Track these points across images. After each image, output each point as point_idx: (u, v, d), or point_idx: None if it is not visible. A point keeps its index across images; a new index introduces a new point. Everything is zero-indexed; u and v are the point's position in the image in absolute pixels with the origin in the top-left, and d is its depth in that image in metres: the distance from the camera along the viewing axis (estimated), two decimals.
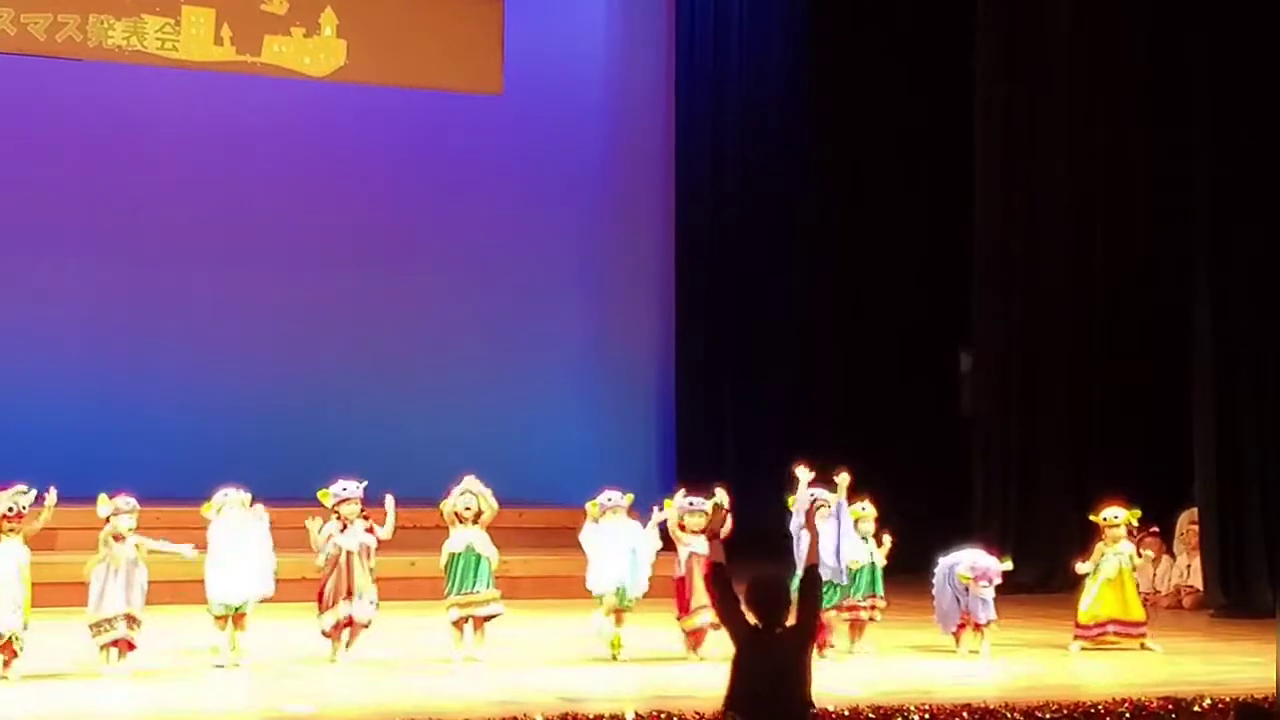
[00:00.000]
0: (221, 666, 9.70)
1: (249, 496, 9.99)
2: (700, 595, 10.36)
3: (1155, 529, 14.01)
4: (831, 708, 8.54)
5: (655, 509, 10.58)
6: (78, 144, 15.86)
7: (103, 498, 9.50)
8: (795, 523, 10.42)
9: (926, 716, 8.63)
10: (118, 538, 9.41)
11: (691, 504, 10.46)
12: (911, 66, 16.37)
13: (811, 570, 7.38)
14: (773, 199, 16.94)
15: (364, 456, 12.37)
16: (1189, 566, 13.96)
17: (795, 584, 10.07)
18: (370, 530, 10.17)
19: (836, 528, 10.48)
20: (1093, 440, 14.82)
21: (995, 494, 14.97)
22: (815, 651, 7.06)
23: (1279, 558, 13.12)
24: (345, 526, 10.12)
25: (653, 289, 17.69)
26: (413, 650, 10.49)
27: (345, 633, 10.06)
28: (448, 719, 8.13)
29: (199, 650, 9.92)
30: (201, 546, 9.83)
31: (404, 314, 16.76)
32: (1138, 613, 11.21)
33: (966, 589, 10.71)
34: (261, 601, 9.92)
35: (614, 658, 10.23)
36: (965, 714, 8.70)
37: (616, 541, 10.35)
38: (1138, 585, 11.45)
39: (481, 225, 17.06)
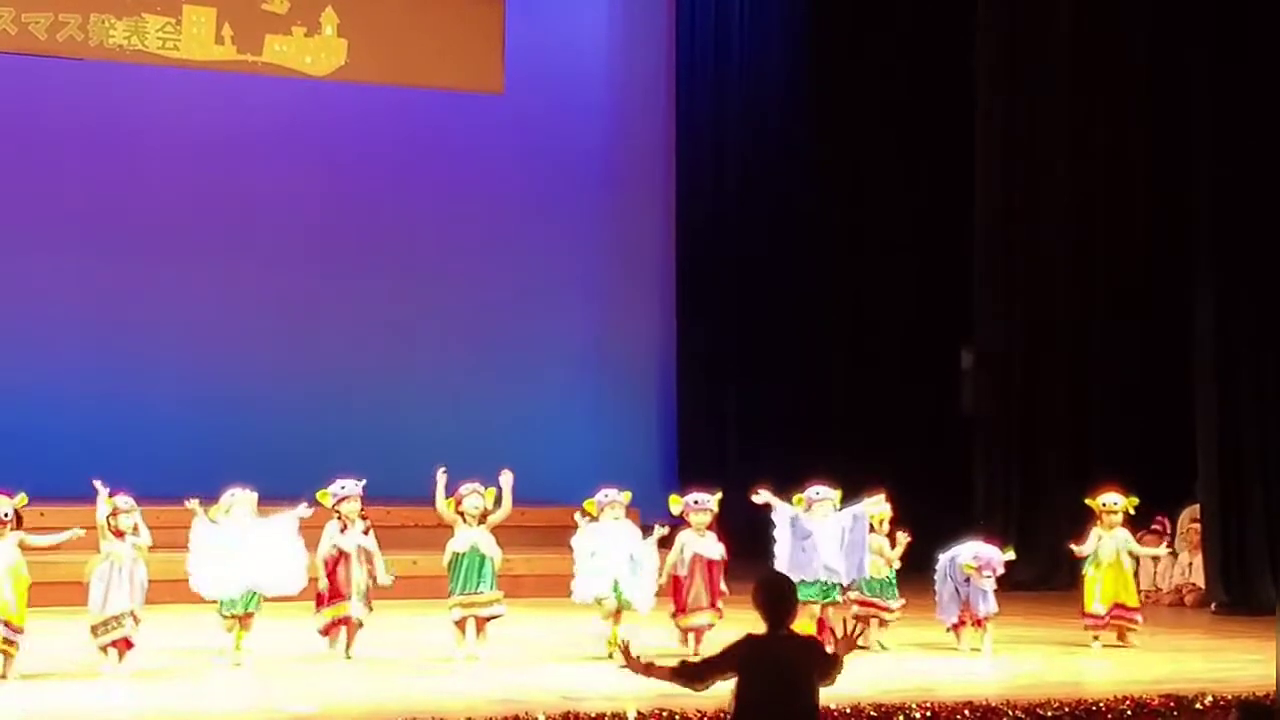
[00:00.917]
0: (224, 665, 9.71)
1: (255, 496, 9.99)
2: (699, 596, 10.37)
3: (1155, 526, 14.03)
4: (833, 705, 8.54)
5: (657, 525, 10.53)
6: (79, 143, 15.87)
7: (102, 497, 9.49)
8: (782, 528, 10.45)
9: (928, 714, 8.64)
10: (118, 534, 9.40)
11: (697, 501, 10.46)
12: (912, 66, 16.37)
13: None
14: (774, 197, 16.94)
15: (366, 455, 12.38)
16: (1190, 564, 13.96)
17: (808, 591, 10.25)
18: (367, 531, 10.16)
19: (839, 528, 10.49)
20: (1093, 438, 14.82)
21: (996, 492, 14.98)
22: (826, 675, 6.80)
23: None
24: (345, 527, 10.12)
25: (654, 287, 17.71)
26: (414, 649, 10.49)
27: (342, 632, 10.07)
28: (449, 718, 8.12)
29: (199, 649, 9.91)
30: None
31: (406, 313, 16.77)
32: (1133, 599, 11.22)
33: (968, 580, 10.72)
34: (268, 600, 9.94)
35: (611, 656, 10.22)
36: (967, 711, 8.70)
37: (611, 549, 10.28)
38: (1135, 574, 11.45)
39: (482, 224, 17.08)
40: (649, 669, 6.76)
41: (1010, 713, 8.74)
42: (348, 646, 10.09)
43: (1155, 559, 13.90)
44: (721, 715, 7.29)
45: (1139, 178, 15.16)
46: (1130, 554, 11.32)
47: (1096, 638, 11.16)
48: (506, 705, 8.46)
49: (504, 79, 16.58)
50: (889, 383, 16.31)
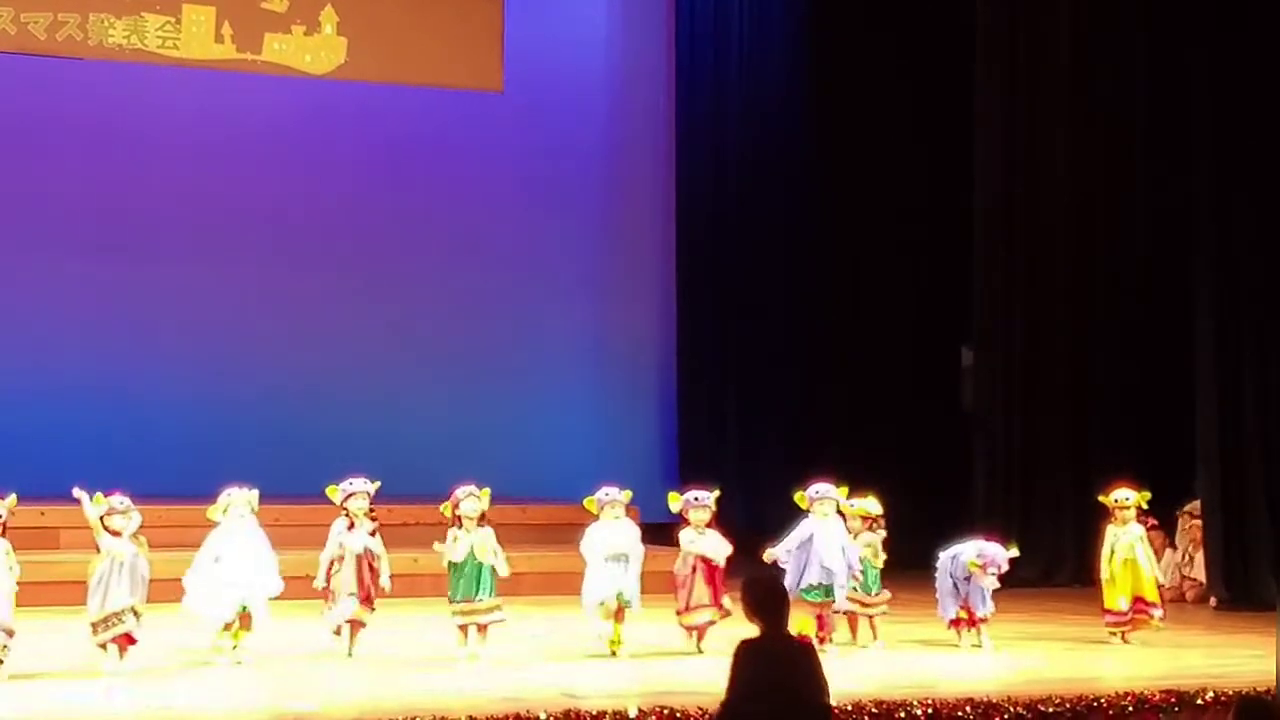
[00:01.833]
0: (224, 663, 9.71)
1: (256, 495, 9.98)
2: (700, 594, 10.38)
3: (1155, 522, 14.02)
4: (834, 703, 8.53)
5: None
6: (78, 142, 15.85)
7: (97, 497, 9.49)
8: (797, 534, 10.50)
9: (930, 711, 8.64)
10: (114, 533, 9.40)
11: (696, 498, 10.47)
12: (912, 65, 16.35)
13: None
14: (774, 195, 16.92)
15: (368, 453, 12.37)
16: (1192, 560, 13.96)
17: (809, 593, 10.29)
18: (374, 533, 10.15)
19: (840, 532, 10.54)
20: (1094, 435, 14.83)
21: (997, 489, 14.96)
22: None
23: None
24: (352, 524, 10.11)
25: (654, 286, 17.70)
26: (416, 647, 10.49)
27: (346, 629, 10.07)
28: (451, 716, 8.11)
29: (201, 648, 9.91)
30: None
31: (405, 310, 16.77)
32: (1152, 593, 11.19)
33: (968, 577, 10.71)
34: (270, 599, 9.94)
35: (613, 654, 10.23)
36: (968, 708, 8.70)
37: (611, 552, 10.32)
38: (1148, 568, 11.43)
39: (482, 222, 17.07)
40: None
41: (1012, 709, 8.75)
42: (350, 645, 10.08)
43: (1158, 554, 13.91)
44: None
45: (1139, 176, 15.15)
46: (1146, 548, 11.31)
47: (1114, 634, 11.13)
48: (508, 703, 8.45)
49: (503, 77, 16.57)
50: (889, 380, 16.29)
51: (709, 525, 10.50)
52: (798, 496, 10.61)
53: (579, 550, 10.46)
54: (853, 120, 16.59)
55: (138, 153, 15.97)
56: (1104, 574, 11.22)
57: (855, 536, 10.78)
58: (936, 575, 10.93)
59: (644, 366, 17.68)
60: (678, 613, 10.49)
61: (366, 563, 10.08)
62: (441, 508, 10.25)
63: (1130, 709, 8.92)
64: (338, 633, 10.09)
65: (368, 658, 10.01)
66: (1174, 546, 14.19)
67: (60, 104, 15.82)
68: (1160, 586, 11.49)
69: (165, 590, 10.11)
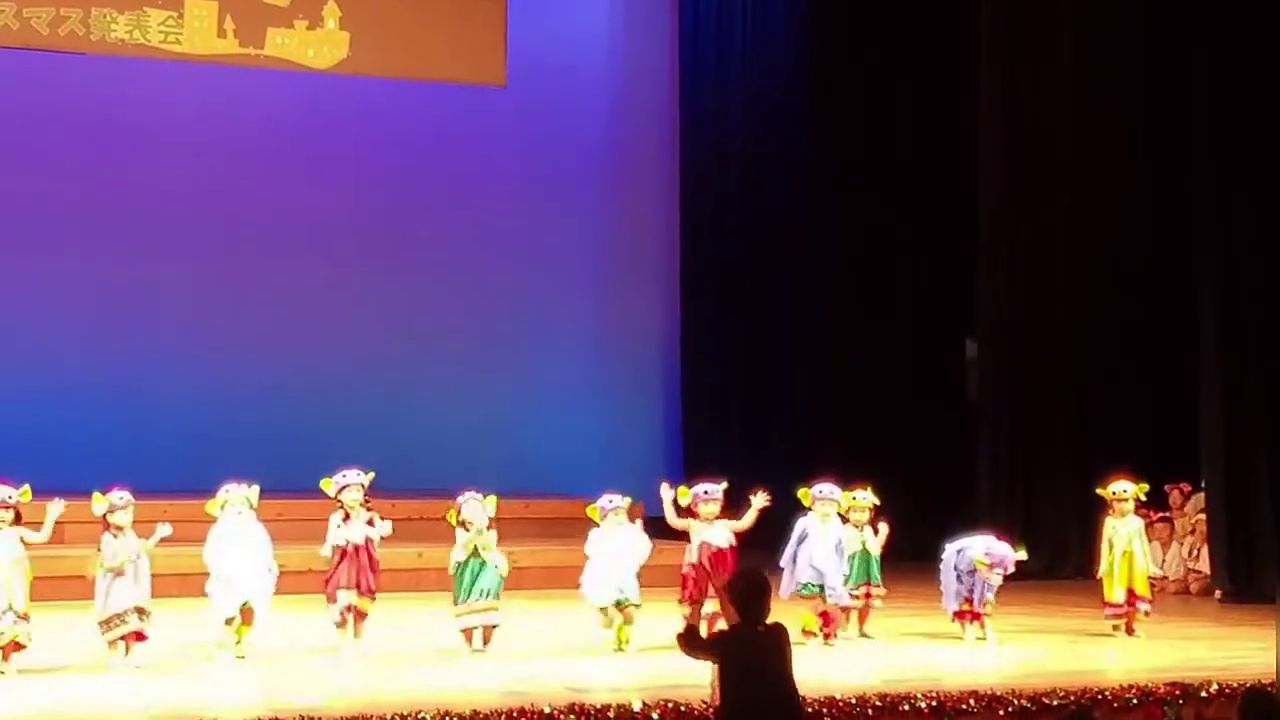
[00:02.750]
0: (228, 658, 9.71)
1: (255, 490, 9.97)
2: (709, 585, 10.38)
3: (1164, 514, 14.03)
4: (839, 695, 8.55)
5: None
6: (81, 137, 15.85)
7: (96, 495, 9.49)
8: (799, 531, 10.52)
9: (934, 703, 8.65)
10: (117, 528, 9.41)
11: (706, 491, 10.47)
12: (915, 61, 16.34)
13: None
14: (777, 192, 16.91)
15: (370, 449, 12.36)
16: (1197, 552, 13.95)
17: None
18: (372, 523, 10.14)
19: (837, 536, 10.56)
20: (1098, 427, 14.83)
21: (1001, 482, 14.98)
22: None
23: None
24: (348, 517, 10.10)
25: (658, 280, 17.69)
26: (419, 641, 10.50)
27: (350, 620, 10.06)
28: (454, 709, 8.11)
29: (205, 643, 9.91)
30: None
31: (409, 306, 16.77)
32: (1143, 587, 11.19)
33: (972, 572, 10.69)
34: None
35: (618, 650, 10.22)
36: (972, 700, 8.71)
37: (615, 553, 10.35)
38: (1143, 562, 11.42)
39: (485, 217, 17.06)
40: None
41: (1016, 702, 8.75)
42: (354, 632, 10.06)
43: (1164, 546, 13.92)
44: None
45: (1141, 173, 15.13)
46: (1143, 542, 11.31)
47: (1117, 627, 11.14)
48: (511, 697, 8.46)
49: (506, 71, 16.54)
50: (893, 373, 16.29)
51: (718, 517, 10.50)
52: (801, 493, 10.61)
53: (584, 551, 10.50)
54: (855, 118, 16.58)
55: (140, 147, 15.97)
56: (1103, 567, 11.23)
57: (860, 528, 10.79)
58: (941, 568, 10.92)
59: (647, 362, 17.67)
60: (680, 601, 10.47)
61: (366, 554, 10.07)
62: (447, 515, 10.24)
63: (1135, 701, 8.93)
64: (341, 625, 10.08)
65: (371, 652, 10.00)
66: (1179, 540, 14.19)
67: (62, 99, 15.82)
68: (1153, 580, 11.50)
69: (170, 585, 10.14)
